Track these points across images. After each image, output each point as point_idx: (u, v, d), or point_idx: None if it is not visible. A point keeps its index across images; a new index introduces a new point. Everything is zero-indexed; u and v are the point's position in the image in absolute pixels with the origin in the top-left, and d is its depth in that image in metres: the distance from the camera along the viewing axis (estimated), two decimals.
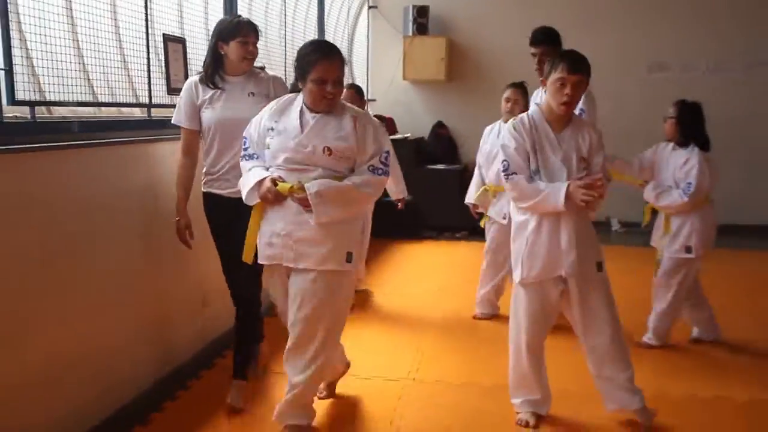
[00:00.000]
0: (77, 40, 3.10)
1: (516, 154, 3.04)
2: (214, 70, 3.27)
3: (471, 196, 4.88)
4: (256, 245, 2.90)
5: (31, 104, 2.78)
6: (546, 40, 4.25)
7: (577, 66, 2.99)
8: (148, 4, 3.63)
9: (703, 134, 4.08)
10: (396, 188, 5.34)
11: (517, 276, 3.15)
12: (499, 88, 4.73)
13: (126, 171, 3.29)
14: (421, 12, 8.37)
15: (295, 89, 2.99)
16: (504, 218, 4.57)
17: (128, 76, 3.53)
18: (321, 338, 2.88)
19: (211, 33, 3.33)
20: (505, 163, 3.07)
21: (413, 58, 8.34)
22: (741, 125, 7.86)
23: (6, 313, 2.51)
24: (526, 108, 4.51)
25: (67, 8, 3.03)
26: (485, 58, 8.21)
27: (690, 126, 4.06)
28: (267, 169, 2.84)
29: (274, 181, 2.75)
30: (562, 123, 3.08)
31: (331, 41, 3.06)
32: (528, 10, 8.00)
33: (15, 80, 2.66)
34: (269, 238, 2.85)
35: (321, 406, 3.06)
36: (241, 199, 2.91)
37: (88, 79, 3.19)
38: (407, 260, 6.77)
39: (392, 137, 7.83)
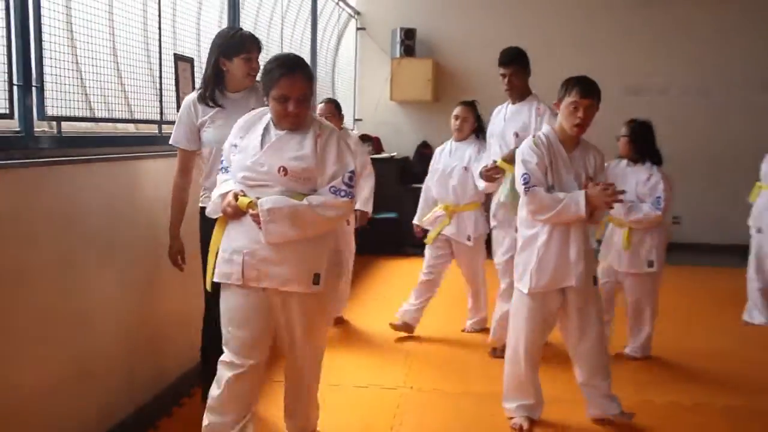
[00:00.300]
0: (95, 59, 3.25)
1: (537, 168, 3.21)
2: (215, 87, 3.18)
3: (419, 217, 4.92)
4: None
5: (59, 119, 2.93)
6: (515, 60, 4.35)
7: (589, 91, 3.20)
8: (161, 26, 3.79)
9: (656, 151, 4.33)
10: (360, 202, 5.04)
11: (523, 286, 3.32)
12: (484, 108, 4.86)
13: (139, 184, 3.43)
14: (409, 34, 8.61)
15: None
16: (468, 240, 4.69)
17: (141, 94, 3.69)
18: (313, 365, 2.95)
19: (210, 47, 3.22)
20: (525, 176, 3.22)
21: (400, 79, 8.56)
22: (708, 145, 8.26)
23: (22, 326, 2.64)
24: (474, 125, 4.74)
25: (89, 29, 3.19)
26: (470, 79, 8.44)
27: (644, 143, 4.30)
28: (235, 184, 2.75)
29: (236, 195, 2.65)
30: (573, 144, 3.29)
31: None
32: (510, 34, 8.24)
33: (45, 96, 2.81)
34: (229, 254, 2.71)
35: (322, 414, 3.15)
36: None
37: (104, 96, 3.35)
38: (393, 276, 6.93)
39: (378, 156, 8.09)
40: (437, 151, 4.97)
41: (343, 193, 2.67)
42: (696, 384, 4.11)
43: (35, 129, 2.76)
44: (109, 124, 3.50)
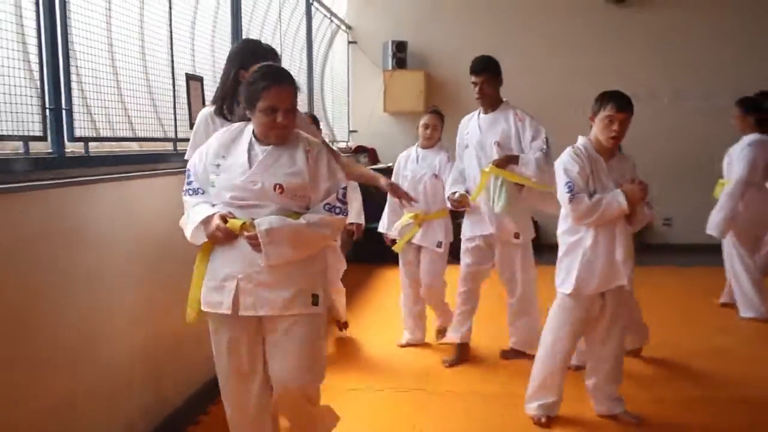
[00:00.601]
0: (118, 81, 3.37)
1: (579, 176, 3.33)
2: (233, 100, 3.01)
3: (385, 226, 4.88)
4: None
5: (86, 140, 3.04)
6: (487, 69, 4.37)
7: (624, 105, 3.32)
8: (172, 47, 3.91)
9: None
10: (353, 214, 5.05)
11: (567, 288, 3.43)
12: None
13: (159, 200, 3.53)
14: (400, 47, 8.77)
15: (243, 118, 2.71)
16: (438, 246, 4.67)
17: (156, 112, 3.81)
18: (313, 394, 2.76)
19: (228, 59, 3.13)
20: (570, 184, 3.32)
21: (393, 91, 8.71)
22: (704, 148, 8.43)
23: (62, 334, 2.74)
24: (440, 134, 4.76)
25: (109, 52, 3.31)
26: (461, 90, 8.54)
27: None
28: (213, 206, 2.59)
29: (224, 218, 2.50)
30: (609, 154, 3.42)
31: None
32: (500, 45, 8.46)
33: (74, 119, 2.92)
34: (220, 282, 2.56)
35: (343, 418, 3.14)
36: None
37: (128, 116, 3.46)
38: (393, 284, 7.02)
39: (374, 167, 8.21)
40: (401, 157, 4.94)
41: (338, 210, 2.62)
42: (701, 380, 4.26)
43: (66, 150, 2.88)
44: (126, 142, 3.63)
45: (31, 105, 2.68)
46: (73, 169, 2.87)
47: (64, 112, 2.86)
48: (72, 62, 2.91)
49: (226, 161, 2.57)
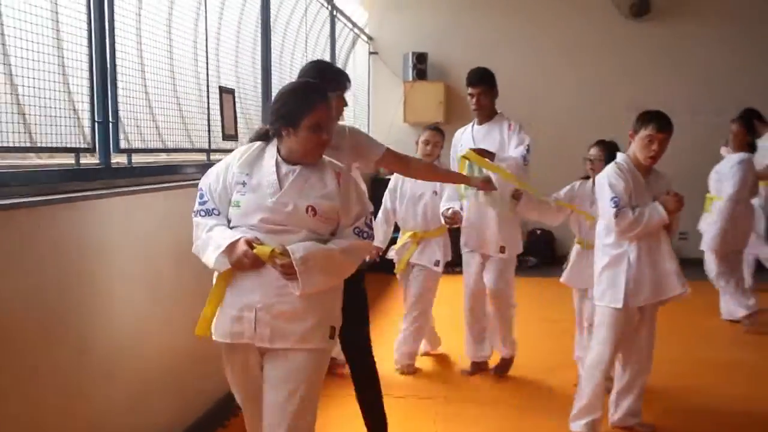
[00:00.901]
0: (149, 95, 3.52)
1: (623, 192, 3.43)
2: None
3: (380, 239, 4.60)
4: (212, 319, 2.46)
5: (129, 151, 3.20)
6: (484, 80, 4.38)
7: (665, 126, 3.42)
8: (208, 62, 4.06)
9: None
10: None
11: (616, 302, 3.48)
12: None
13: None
14: (421, 58, 8.91)
15: (261, 137, 2.56)
16: (436, 265, 4.56)
17: (186, 124, 3.96)
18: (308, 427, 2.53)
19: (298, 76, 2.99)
20: (615, 199, 3.42)
21: (413, 101, 8.85)
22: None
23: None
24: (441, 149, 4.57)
25: (141, 71, 3.46)
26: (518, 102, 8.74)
27: None
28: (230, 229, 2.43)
29: (250, 244, 2.32)
30: (646, 171, 3.53)
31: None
32: (518, 56, 8.69)
33: (119, 131, 3.08)
34: (239, 311, 2.39)
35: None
36: None
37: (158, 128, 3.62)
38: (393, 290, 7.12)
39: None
40: (397, 174, 4.61)
41: (365, 235, 2.51)
42: (713, 393, 4.34)
43: (112, 161, 3.03)
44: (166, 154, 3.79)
45: (82, 119, 2.85)
46: (119, 179, 3.02)
47: (111, 125, 3.01)
48: (119, 78, 3.07)
49: (252, 180, 2.43)
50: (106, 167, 2.98)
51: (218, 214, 2.46)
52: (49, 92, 2.63)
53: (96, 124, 2.91)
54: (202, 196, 2.49)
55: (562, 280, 4.32)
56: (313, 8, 6.76)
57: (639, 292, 3.48)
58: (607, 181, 3.49)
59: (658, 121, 3.42)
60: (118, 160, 3.12)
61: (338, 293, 2.55)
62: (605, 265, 3.55)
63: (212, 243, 2.38)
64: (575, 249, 4.29)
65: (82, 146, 2.85)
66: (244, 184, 2.42)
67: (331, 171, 2.49)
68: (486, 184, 3.99)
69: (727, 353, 5.21)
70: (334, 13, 7.50)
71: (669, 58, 8.75)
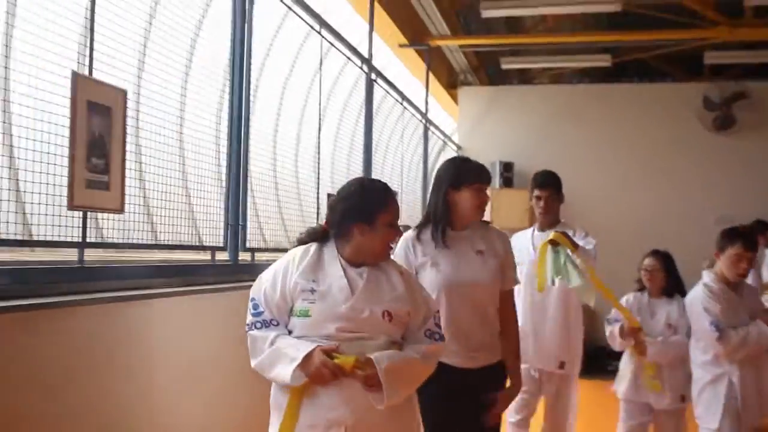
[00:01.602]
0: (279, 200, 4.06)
1: (720, 314, 3.39)
2: (440, 223, 2.76)
3: None
4: None
5: (254, 250, 3.69)
6: (553, 183, 4.06)
7: (752, 245, 3.47)
8: (320, 170, 4.59)
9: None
10: None
11: (714, 423, 3.42)
12: None
13: None
14: (507, 167, 9.36)
15: (316, 237, 2.34)
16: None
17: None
18: None
19: (436, 179, 2.86)
20: (715, 323, 3.37)
21: (500, 207, 9.23)
22: None
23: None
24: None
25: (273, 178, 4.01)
26: (564, 209, 9.01)
27: (675, 275, 3.99)
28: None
29: (329, 353, 2.13)
30: (736, 286, 3.51)
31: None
32: (601, 168, 8.98)
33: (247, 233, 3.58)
34: (325, 429, 2.15)
35: None
36: (468, 370, 2.64)
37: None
38: None
39: None
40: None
41: (437, 336, 2.34)
42: None
43: (239, 259, 3.52)
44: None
45: (218, 221, 3.37)
46: (243, 273, 3.49)
47: (240, 227, 3.52)
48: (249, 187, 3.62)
49: (320, 285, 2.22)
50: (234, 263, 3.46)
51: (276, 325, 2.24)
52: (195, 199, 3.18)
53: (228, 227, 3.41)
54: (256, 307, 2.26)
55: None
56: (411, 124, 7.37)
57: (739, 414, 3.38)
58: (701, 305, 3.46)
59: (745, 240, 3.45)
60: (244, 257, 3.61)
61: (414, 402, 2.37)
62: (705, 383, 3.50)
63: (283, 357, 2.16)
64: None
65: (218, 245, 3.35)
66: (312, 291, 2.21)
67: (395, 271, 2.33)
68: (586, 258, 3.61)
69: None
70: (428, 126, 8.09)
71: (755, 171, 8.81)
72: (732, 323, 3.40)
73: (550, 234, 3.63)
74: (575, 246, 3.60)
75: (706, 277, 3.57)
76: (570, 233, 3.79)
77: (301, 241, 2.35)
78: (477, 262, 2.75)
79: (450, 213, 2.77)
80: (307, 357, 2.11)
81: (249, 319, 2.25)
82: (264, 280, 2.29)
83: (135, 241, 2.87)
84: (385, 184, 2.38)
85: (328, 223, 2.33)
